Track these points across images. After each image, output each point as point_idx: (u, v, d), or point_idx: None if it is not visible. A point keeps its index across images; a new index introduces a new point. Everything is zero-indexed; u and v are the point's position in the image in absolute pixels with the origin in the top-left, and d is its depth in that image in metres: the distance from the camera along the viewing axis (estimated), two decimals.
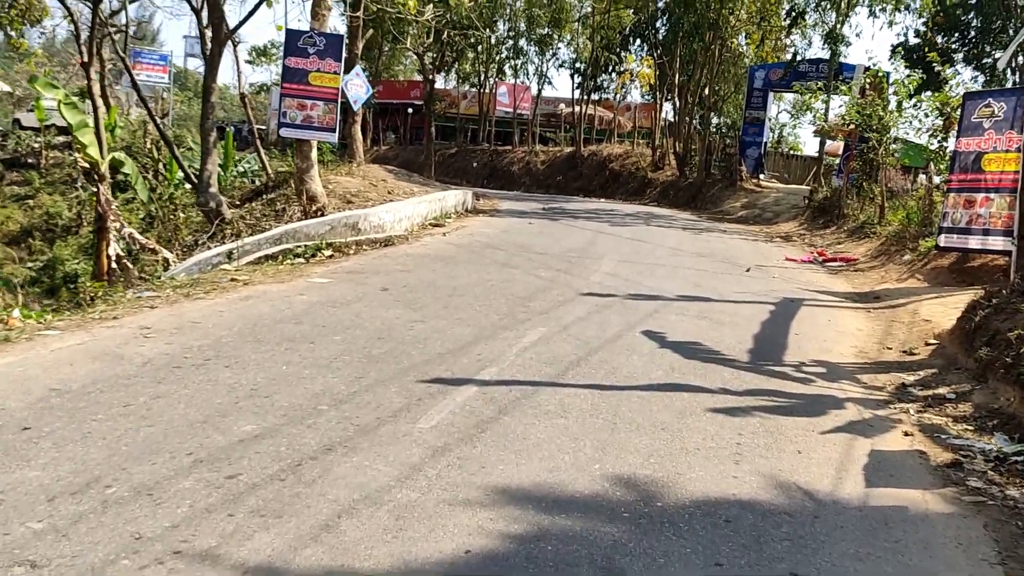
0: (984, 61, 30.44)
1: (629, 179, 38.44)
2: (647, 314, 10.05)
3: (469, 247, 15.33)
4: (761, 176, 33.77)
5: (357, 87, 27.72)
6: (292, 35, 17.96)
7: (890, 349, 9.25)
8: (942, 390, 7.43)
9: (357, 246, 15.07)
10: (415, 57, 45.92)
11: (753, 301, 11.59)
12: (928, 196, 16.36)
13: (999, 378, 6.93)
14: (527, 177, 43.98)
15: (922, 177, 32.40)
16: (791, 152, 50.99)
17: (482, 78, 50.25)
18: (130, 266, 16.04)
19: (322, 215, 16.99)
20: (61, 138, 44.87)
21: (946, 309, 10.83)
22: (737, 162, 32.42)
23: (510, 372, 7.14)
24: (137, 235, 16.72)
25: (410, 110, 52.89)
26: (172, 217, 23.30)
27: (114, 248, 16.24)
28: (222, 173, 32.74)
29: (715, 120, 38.44)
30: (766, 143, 35.72)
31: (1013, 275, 8.50)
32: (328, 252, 14.45)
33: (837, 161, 31.32)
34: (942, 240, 13.50)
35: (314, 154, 18.16)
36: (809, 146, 59.52)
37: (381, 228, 16.37)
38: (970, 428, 6.50)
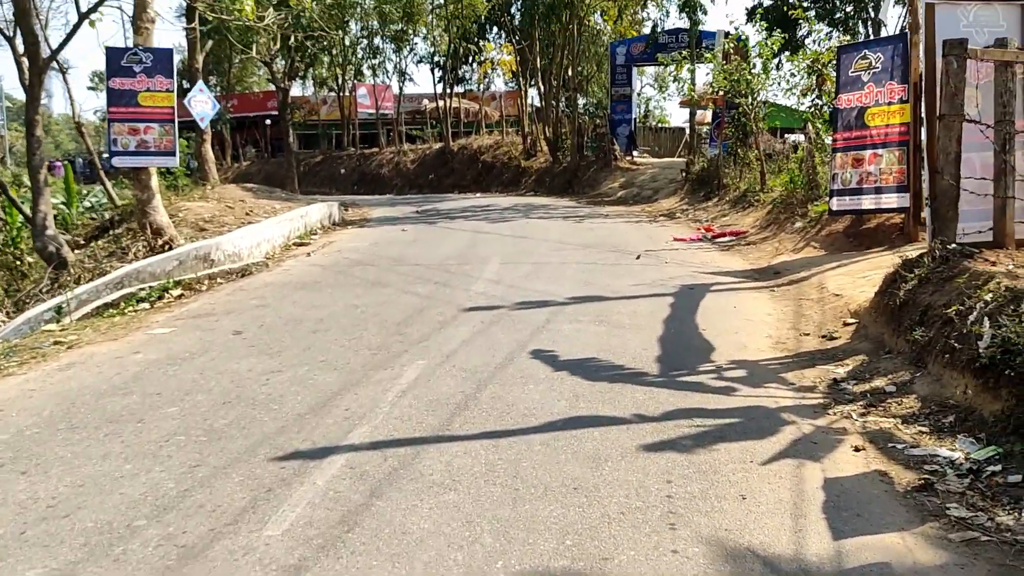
0: (836, 16, 30.55)
1: (503, 170, 37.45)
2: (539, 327, 8.93)
3: (336, 267, 13.94)
4: (635, 153, 33.25)
5: (202, 103, 25.85)
6: (114, 53, 16.22)
7: (807, 335, 8.38)
8: (879, 382, 6.53)
9: (211, 280, 13.51)
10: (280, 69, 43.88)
11: (650, 294, 10.62)
12: (810, 158, 15.78)
13: (943, 364, 6.05)
14: (398, 178, 42.55)
15: (792, 137, 32.48)
16: (659, 125, 51.00)
17: (340, 81, 48.47)
18: None
19: (170, 248, 15.32)
20: None
21: (854, 280, 10.09)
22: (609, 141, 31.77)
23: (386, 429, 5.90)
24: None
25: (268, 121, 50.64)
26: (15, 265, 21.09)
27: None
28: (67, 210, 30.36)
29: (582, 101, 37.79)
30: (635, 119, 35.22)
31: (929, 240, 7.69)
32: (177, 291, 12.87)
33: (707, 130, 31.03)
34: (834, 203, 12.87)
35: (154, 182, 16.43)
36: (675, 117, 59.80)
37: (237, 256, 14.82)
38: (925, 430, 5.58)
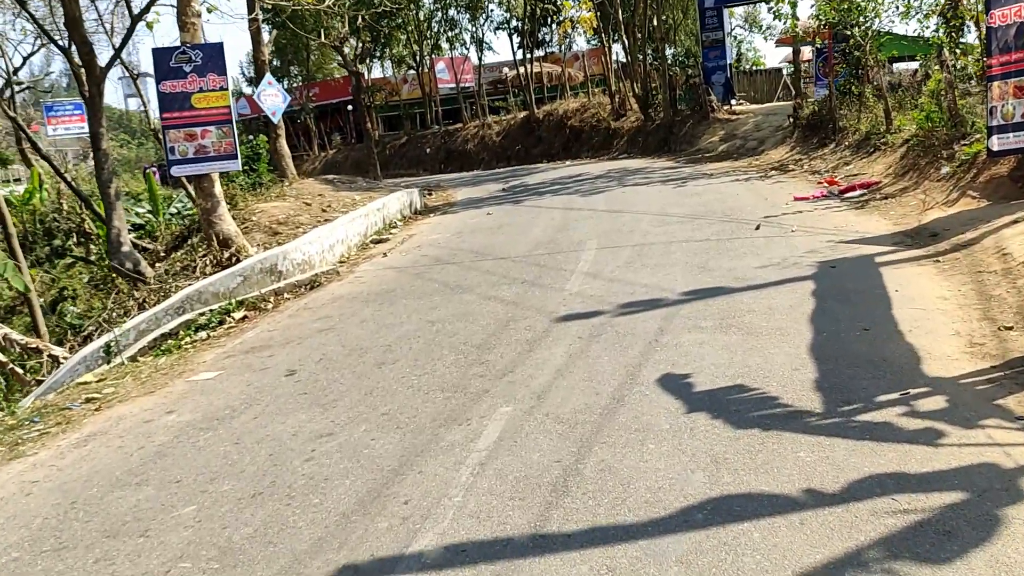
0: None
1: (592, 134, 35.40)
2: (650, 340, 7.14)
3: (413, 269, 12.38)
4: (732, 102, 30.76)
5: (272, 97, 24.66)
6: (161, 54, 14.94)
7: (1010, 328, 6.36)
8: None
9: (276, 297, 12.13)
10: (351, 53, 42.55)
11: (784, 279, 8.69)
12: (950, 90, 13.40)
13: None
14: (484, 152, 40.93)
15: (900, 66, 29.47)
16: (754, 68, 47.90)
17: (418, 58, 47.00)
18: (18, 370, 13.06)
19: (237, 260, 14.04)
20: None
21: None
22: (704, 92, 29.38)
23: (457, 533, 4.26)
24: (14, 335, 13.74)
25: (350, 107, 49.61)
26: (107, 282, 20.47)
27: None
28: (153, 219, 29.84)
29: (670, 52, 35.34)
30: (730, 64, 32.63)
31: None
32: (240, 313, 11.52)
33: (811, 68, 28.36)
34: (995, 142, 10.62)
35: (218, 188, 15.17)
36: (769, 58, 56.34)
37: (307, 264, 13.40)
38: None
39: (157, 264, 19.63)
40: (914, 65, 26.07)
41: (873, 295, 7.74)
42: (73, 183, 30.81)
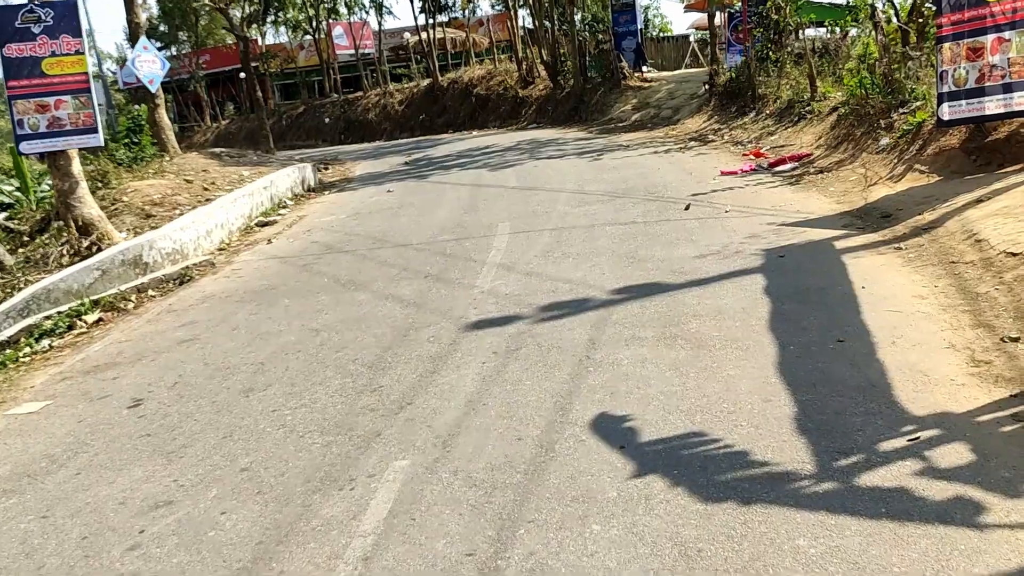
0: None
1: (499, 102, 33.95)
2: (581, 357, 5.83)
3: (300, 259, 10.82)
4: (644, 69, 29.66)
5: (148, 63, 22.56)
6: (4, 13, 12.97)
7: (1017, 340, 5.23)
8: None
9: (139, 295, 10.45)
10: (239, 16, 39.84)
11: (728, 273, 7.48)
12: (885, 53, 12.41)
13: None
14: (386, 122, 39.09)
15: (813, 32, 28.78)
16: (662, 35, 47.01)
17: (314, 23, 44.66)
18: None
19: (98, 250, 12.23)
20: None
21: (1021, 223, 6.93)
22: (616, 58, 28.20)
23: None
24: None
25: (243, 75, 46.99)
26: None
27: None
28: (23, 198, 27.27)
29: (579, 17, 34.01)
30: (641, 30, 31.51)
31: None
32: (94, 315, 9.83)
33: (721, 34, 27.39)
34: (945, 111, 9.62)
35: (76, 167, 13.25)
36: (677, 24, 55.63)
37: (179, 254, 11.71)
38: None
39: (20, 250, 17.55)
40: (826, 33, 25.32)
41: (837, 293, 6.58)
42: None
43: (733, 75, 21.01)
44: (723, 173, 12.93)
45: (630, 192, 12.29)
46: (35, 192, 26.58)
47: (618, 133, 22.16)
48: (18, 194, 30.22)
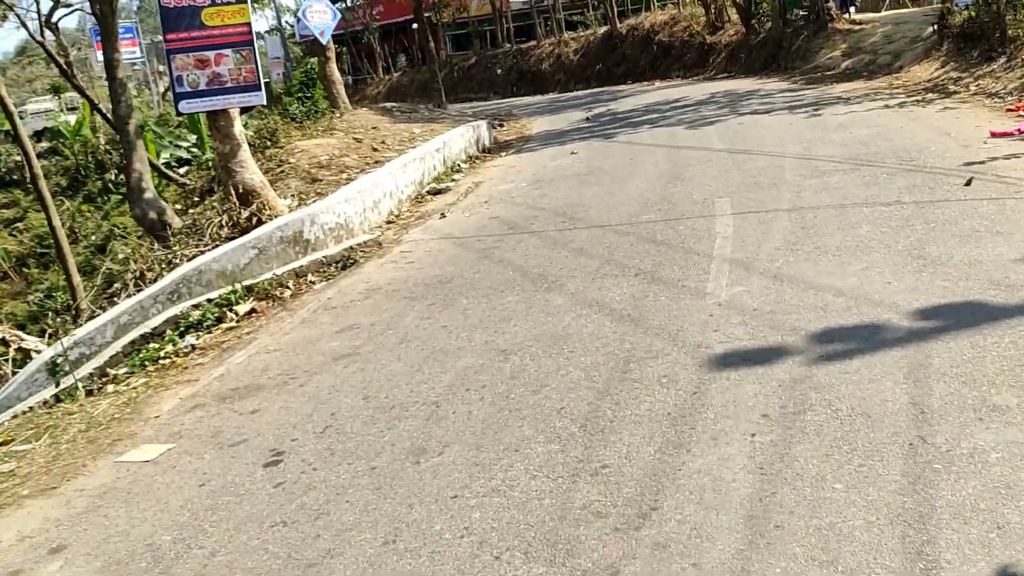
0: None
1: (683, 50, 31.34)
2: (911, 440, 3.84)
3: (478, 240, 9.17)
4: (852, 10, 26.39)
5: (319, 14, 21.54)
6: None
7: None
8: None
9: (299, 279, 9.11)
10: None
11: None
12: None
13: None
14: (561, 73, 37.13)
15: None
16: None
17: None
18: None
19: (259, 222, 11.02)
20: (44, 144, 39.80)
21: None
22: None
23: None
24: None
25: (415, 26, 46.04)
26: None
27: None
28: (200, 153, 27.09)
29: None
30: None
31: None
32: (247, 305, 8.56)
33: None
34: None
35: (238, 128, 12.02)
36: None
37: (343, 230, 10.31)
38: None
39: (191, 211, 16.88)
40: None
41: None
42: (110, 116, 27.99)
43: (972, 13, 17.85)
44: (994, 135, 10.35)
45: (875, 158, 9.96)
46: (209, 147, 26.26)
47: (828, 83, 19.41)
48: (195, 150, 30.20)
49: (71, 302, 23.66)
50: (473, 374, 5.42)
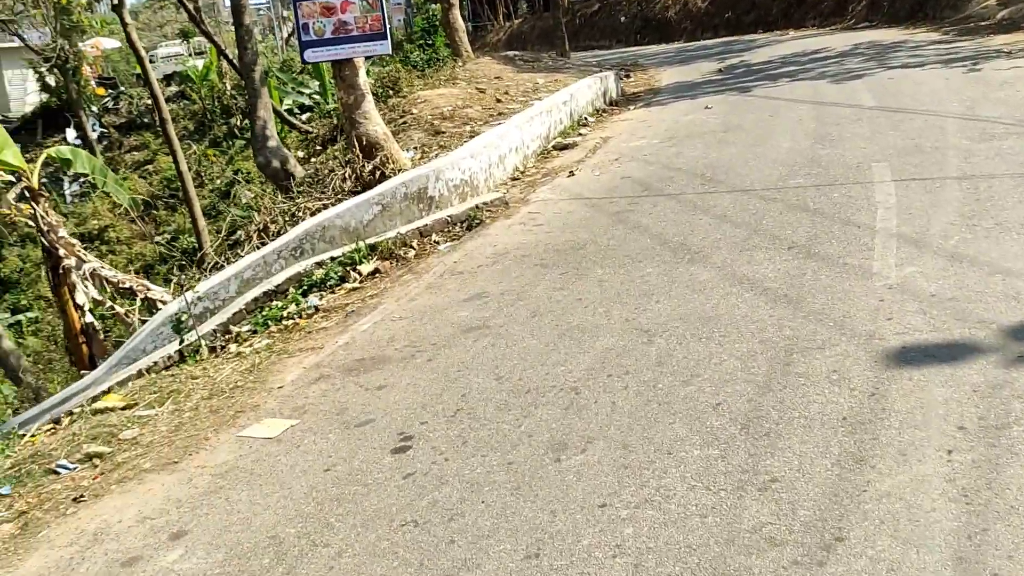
0: None
1: None
2: None
3: (610, 201, 8.67)
4: None
5: None
6: None
7: None
8: None
9: (422, 239, 8.80)
10: None
11: None
12: None
13: None
14: (687, 21, 35.74)
15: None
16: None
17: None
18: (99, 331, 10.46)
19: (382, 177, 10.78)
20: (173, 88, 40.81)
21: None
22: None
23: None
24: (106, 271, 11.09)
25: None
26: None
27: (83, 296, 10.69)
28: (323, 101, 27.16)
29: None
30: None
31: None
32: (370, 265, 8.30)
33: None
34: None
35: (363, 78, 11.73)
36: None
37: (468, 186, 9.94)
38: None
39: (312, 159, 16.87)
40: None
41: None
42: (236, 62, 28.30)
43: None
44: None
45: None
46: (332, 95, 26.29)
47: (984, 35, 17.93)
48: (318, 97, 30.31)
49: (196, 245, 24.24)
50: (614, 357, 4.98)
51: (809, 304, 5.27)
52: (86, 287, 10.97)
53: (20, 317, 29.72)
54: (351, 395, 5.12)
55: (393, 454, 4.31)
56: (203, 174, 34.92)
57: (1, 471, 4.96)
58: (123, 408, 5.61)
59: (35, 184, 11.55)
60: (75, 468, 4.80)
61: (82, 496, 4.40)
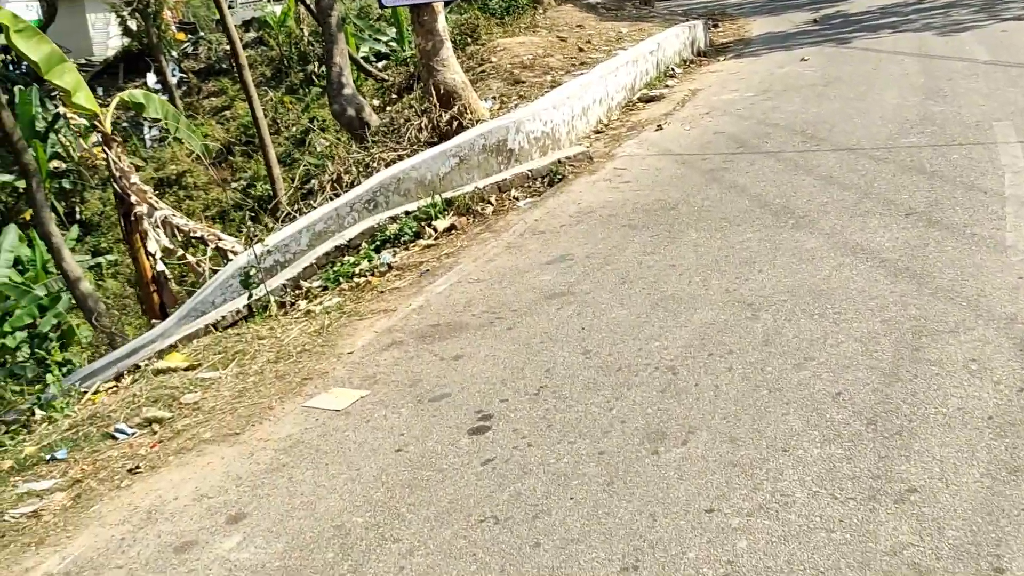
0: None
1: None
2: None
3: (703, 158, 8.08)
4: None
5: None
6: None
7: None
8: None
9: (501, 195, 8.36)
10: None
11: None
12: None
13: None
14: None
15: None
16: None
17: None
18: (171, 283, 10.26)
19: (459, 127, 10.37)
20: (251, 35, 40.78)
21: None
22: None
23: None
24: (178, 219, 10.88)
25: None
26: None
27: (154, 244, 10.50)
28: (399, 48, 26.72)
29: None
30: None
31: None
32: (446, 221, 7.90)
33: None
34: None
35: (442, 23, 11.26)
36: None
37: (549, 139, 9.43)
38: None
39: (388, 108, 16.51)
40: None
41: None
42: (313, 7, 27.96)
43: None
44: None
45: None
46: (409, 43, 25.75)
47: None
48: (394, 44, 29.83)
49: (271, 192, 24.15)
50: (715, 333, 4.49)
51: (935, 280, 4.70)
52: (157, 235, 10.82)
53: (100, 260, 30.21)
54: (425, 365, 4.73)
55: (470, 435, 3.92)
56: (279, 121, 34.85)
57: (59, 433, 4.72)
58: (186, 369, 5.33)
59: (107, 128, 11.37)
60: (133, 433, 4.53)
61: (138, 467, 4.10)
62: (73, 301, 12.19)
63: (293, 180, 19.48)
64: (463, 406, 4.19)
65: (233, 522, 3.54)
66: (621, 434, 3.71)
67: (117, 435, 4.52)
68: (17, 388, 11.49)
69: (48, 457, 4.47)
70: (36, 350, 13.43)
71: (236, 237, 11.85)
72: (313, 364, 5.00)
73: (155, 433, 4.50)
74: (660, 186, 7.42)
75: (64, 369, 10.97)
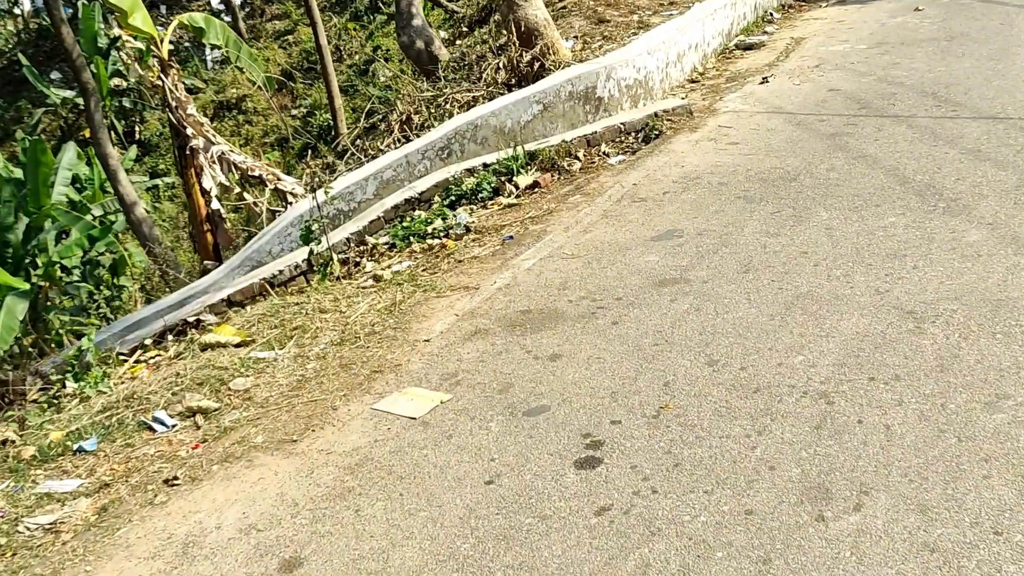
0: None
1: None
2: None
3: (820, 120, 7.14)
4: None
5: None
6: None
7: None
8: None
9: (590, 149, 7.52)
10: None
11: None
12: None
13: None
14: None
15: None
16: None
17: None
18: (226, 223, 9.59)
19: (541, 70, 9.54)
20: None
21: None
22: None
23: None
24: (237, 156, 10.19)
25: None
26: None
27: (209, 181, 9.83)
28: None
29: None
30: None
31: None
32: (528, 178, 7.11)
33: None
34: None
35: None
36: None
37: (642, 88, 8.53)
38: None
39: (458, 41, 15.65)
40: None
41: None
42: None
43: None
44: None
45: None
46: None
47: None
48: None
49: (331, 122, 23.42)
50: (872, 350, 3.68)
51: None
52: (213, 171, 10.16)
53: (158, 181, 29.86)
54: (517, 364, 3.99)
55: (578, 469, 3.18)
56: (342, 48, 33.99)
57: (90, 416, 4.08)
58: (237, 345, 4.65)
59: (164, 54, 10.65)
60: (173, 426, 3.88)
61: (176, 478, 3.45)
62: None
63: (355, 111, 18.72)
64: (566, 425, 3.46)
65: (287, 570, 2.86)
66: (772, 487, 2.94)
67: (155, 426, 3.87)
68: (65, 319, 11.03)
69: (76, 447, 3.84)
70: (89, 276, 13.02)
71: (295, 175, 11.16)
72: (384, 352, 4.29)
73: (198, 428, 3.84)
74: (775, 151, 6.52)
75: (111, 306, 10.45)
